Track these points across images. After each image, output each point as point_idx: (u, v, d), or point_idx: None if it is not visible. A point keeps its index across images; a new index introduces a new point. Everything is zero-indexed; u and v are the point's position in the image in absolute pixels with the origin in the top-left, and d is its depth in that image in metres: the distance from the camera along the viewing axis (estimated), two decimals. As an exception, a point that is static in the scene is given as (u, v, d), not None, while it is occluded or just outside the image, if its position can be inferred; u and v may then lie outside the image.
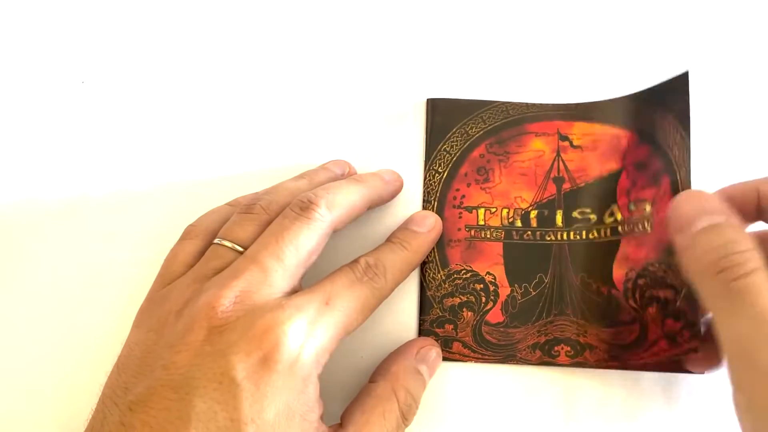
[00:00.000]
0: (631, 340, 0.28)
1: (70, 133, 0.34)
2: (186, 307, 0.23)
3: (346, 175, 0.31)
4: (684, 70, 0.30)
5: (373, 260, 0.26)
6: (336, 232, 0.27)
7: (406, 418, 0.25)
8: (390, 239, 0.29)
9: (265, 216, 0.26)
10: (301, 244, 0.25)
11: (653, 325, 0.28)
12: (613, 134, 0.32)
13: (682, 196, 0.25)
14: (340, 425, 0.24)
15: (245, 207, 0.27)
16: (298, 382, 0.22)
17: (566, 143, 0.32)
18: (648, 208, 0.29)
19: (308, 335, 0.22)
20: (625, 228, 0.29)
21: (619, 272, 0.29)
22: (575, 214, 0.31)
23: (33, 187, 0.33)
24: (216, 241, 0.26)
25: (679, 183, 0.28)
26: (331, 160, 0.32)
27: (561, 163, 0.32)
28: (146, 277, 0.27)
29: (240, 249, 0.25)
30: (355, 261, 0.26)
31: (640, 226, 0.29)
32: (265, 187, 0.29)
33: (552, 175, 0.32)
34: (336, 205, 0.26)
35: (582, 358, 0.28)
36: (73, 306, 0.31)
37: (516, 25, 0.35)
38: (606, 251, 0.30)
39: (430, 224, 0.30)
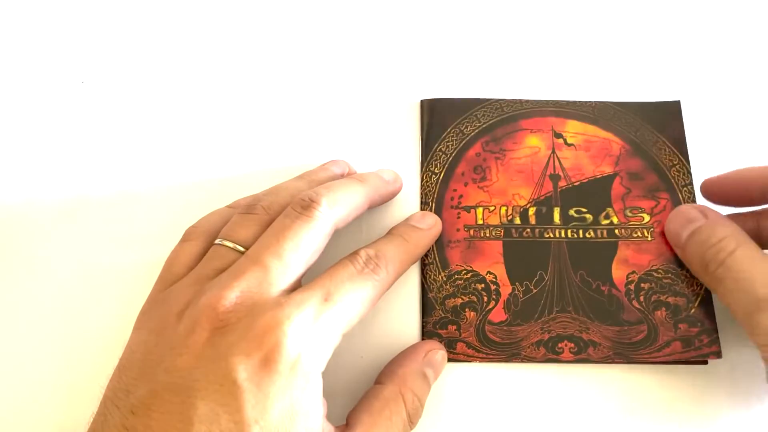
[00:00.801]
0: (639, 339, 0.29)
1: (70, 134, 0.34)
2: (187, 309, 0.23)
3: (345, 175, 0.31)
4: (676, 98, 0.33)
5: (373, 252, 0.26)
6: (336, 233, 0.27)
7: (412, 420, 0.25)
8: (390, 232, 0.29)
9: (266, 216, 0.26)
10: (303, 242, 0.24)
11: (664, 327, 0.29)
12: (605, 138, 0.33)
13: (669, 216, 0.30)
14: (347, 426, 0.24)
15: (246, 207, 0.27)
16: (300, 381, 0.22)
17: (560, 141, 0.33)
18: (646, 217, 0.31)
19: (309, 333, 0.22)
20: (623, 232, 0.31)
21: (618, 273, 0.30)
22: (572, 212, 0.31)
23: (33, 189, 0.33)
24: (217, 241, 0.26)
25: (683, 203, 0.31)
26: (330, 161, 0.32)
27: (556, 160, 0.32)
28: (147, 279, 0.27)
29: (241, 249, 0.25)
30: (355, 253, 0.26)
31: (639, 233, 0.31)
32: (264, 188, 0.29)
33: (548, 172, 0.32)
34: (337, 203, 0.26)
35: (585, 354, 0.29)
36: (74, 308, 0.30)
37: (509, 25, 0.35)
38: (604, 251, 0.31)
39: (430, 222, 0.30)
